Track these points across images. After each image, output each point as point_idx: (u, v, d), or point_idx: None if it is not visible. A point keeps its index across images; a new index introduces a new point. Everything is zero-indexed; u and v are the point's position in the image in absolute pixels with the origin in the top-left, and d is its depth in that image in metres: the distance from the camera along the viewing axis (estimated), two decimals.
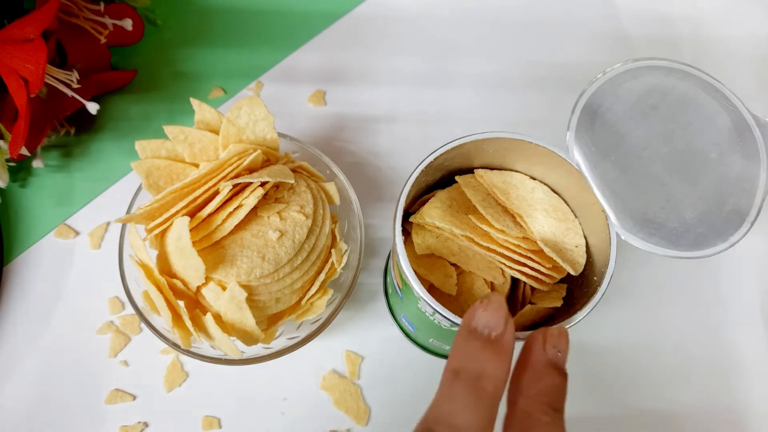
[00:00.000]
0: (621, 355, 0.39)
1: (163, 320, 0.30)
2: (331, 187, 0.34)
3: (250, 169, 0.32)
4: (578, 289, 0.30)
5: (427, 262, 0.31)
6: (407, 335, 0.38)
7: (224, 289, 0.29)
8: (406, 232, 0.32)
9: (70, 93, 0.38)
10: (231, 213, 0.30)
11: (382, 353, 0.38)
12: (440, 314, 0.26)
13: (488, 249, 0.30)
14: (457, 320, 0.26)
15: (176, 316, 0.29)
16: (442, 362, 0.38)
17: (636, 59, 0.28)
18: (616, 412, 0.37)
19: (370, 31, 0.48)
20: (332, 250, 0.33)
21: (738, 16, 0.50)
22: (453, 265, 0.31)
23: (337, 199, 0.34)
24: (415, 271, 0.27)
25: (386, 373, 0.38)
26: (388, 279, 0.37)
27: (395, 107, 0.45)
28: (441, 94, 0.46)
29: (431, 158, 0.29)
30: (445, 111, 0.45)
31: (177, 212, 0.29)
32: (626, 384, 0.38)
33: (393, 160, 0.43)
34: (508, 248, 0.30)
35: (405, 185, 0.29)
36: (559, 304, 0.30)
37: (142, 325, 0.38)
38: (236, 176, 0.31)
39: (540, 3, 0.50)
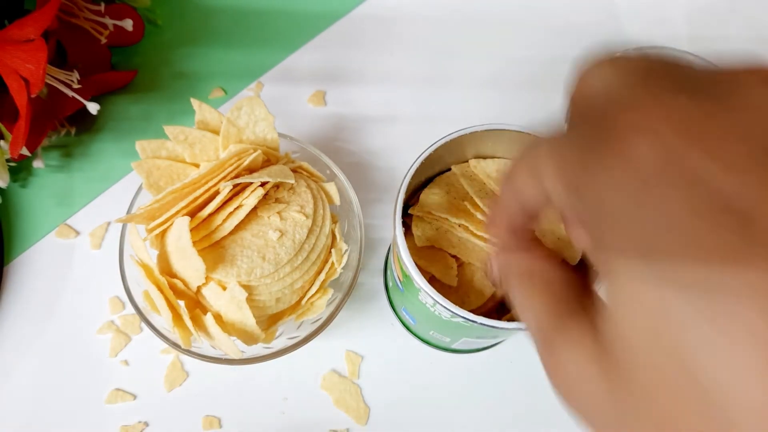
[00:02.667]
0: None
1: (163, 320, 0.30)
2: (331, 188, 0.34)
3: (251, 170, 0.32)
4: None
5: (427, 254, 0.31)
6: (408, 328, 0.38)
7: (224, 289, 0.29)
8: (406, 225, 0.32)
9: (70, 93, 0.38)
10: (231, 213, 0.30)
11: (382, 353, 0.38)
12: (441, 305, 0.26)
13: (484, 239, 0.30)
14: (457, 311, 0.26)
15: (176, 316, 0.29)
16: (442, 360, 0.38)
17: (638, 47, 0.28)
18: None
19: (370, 31, 0.48)
20: (332, 250, 0.33)
21: (737, 13, 0.50)
22: (453, 257, 0.31)
23: (337, 199, 0.34)
24: (415, 262, 0.27)
25: (386, 373, 0.38)
26: (389, 272, 0.38)
27: (395, 107, 0.45)
28: (441, 94, 0.46)
29: (431, 150, 0.29)
30: (445, 111, 0.45)
31: (177, 212, 0.29)
32: None
33: (393, 160, 0.43)
34: None
35: (405, 176, 0.29)
36: None
37: (143, 324, 0.38)
38: (236, 176, 0.31)
39: (539, 3, 0.50)
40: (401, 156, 0.43)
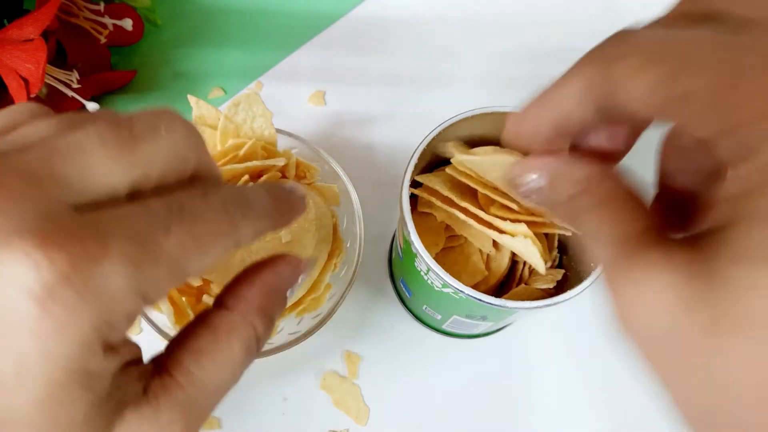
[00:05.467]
0: (619, 354, 0.38)
1: (164, 317, 0.30)
2: (332, 190, 0.34)
3: (247, 161, 0.32)
4: (575, 276, 0.30)
5: (426, 224, 0.32)
6: (404, 303, 0.39)
7: None
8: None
9: (70, 93, 0.38)
10: None
11: (382, 353, 0.38)
12: (433, 271, 0.27)
13: (484, 222, 0.30)
14: (447, 278, 0.27)
15: (178, 312, 0.29)
16: (442, 360, 0.38)
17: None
18: (613, 411, 0.37)
19: (370, 31, 0.48)
20: (333, 246, 0.33)
21: None
22: (451, 236, 0.33)
23: (338, 201, 0.35)
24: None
25: (386, 373, 0.37)
26: (394, 244, 0.39)
27: (395, 107, 0.45)
28: (440, 93, 0.46)
29: (450, 122, 0.30)
30: (444, 110, 0.45)
31: None
32: (624, 381, 0.38)
33: (393, 156, 0.43)
34: (508, 208, 0.30)
35: (423, 141, 0.30)
36: (551, 285, 0.30)
37: (143, 325, 0.38)
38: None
39: (538, 3, 0.50)
40: (401, 153, 0.43)
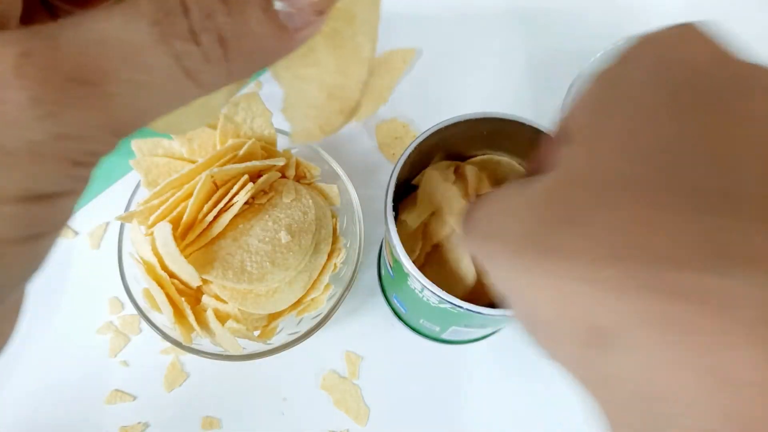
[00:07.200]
0: None
1: (163, 318, 0.30)
2: (332, 190, 0.34)
3: (247, 161, 0.32)
4: None
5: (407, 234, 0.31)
6: (399, 317, 0.38)
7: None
8: (397, 213, 0.32)
9: None
10: (223, 209, 0.30)
11: (382, 353, 0.38)
12: (428, 290, 0.26)
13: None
14: (444, 296, 0.26)
15: (178, 312, 0.29)
16: (442, 360, 0.38)
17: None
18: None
19: None
20: (333, 246, 0.33)
21: (738, 12, 0.50)
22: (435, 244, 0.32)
23: (337, 201, 0.35)
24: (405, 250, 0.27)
25: (386, 373, 0.37)
26: (382, 261, 0.38)
27: (395, 105, 0.45)
28: (441, 91, 0.46)
29: (426, 135, 0.29)
30: (445, 108, 0.45)
31: (176, 202, 0.29)
32: None
33: (392, 157, 0.43)
34: None
35: (400, 158, 0.29)
36: None
37: (142, 325, 0.38)
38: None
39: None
40: (401, 152, 0.43)
